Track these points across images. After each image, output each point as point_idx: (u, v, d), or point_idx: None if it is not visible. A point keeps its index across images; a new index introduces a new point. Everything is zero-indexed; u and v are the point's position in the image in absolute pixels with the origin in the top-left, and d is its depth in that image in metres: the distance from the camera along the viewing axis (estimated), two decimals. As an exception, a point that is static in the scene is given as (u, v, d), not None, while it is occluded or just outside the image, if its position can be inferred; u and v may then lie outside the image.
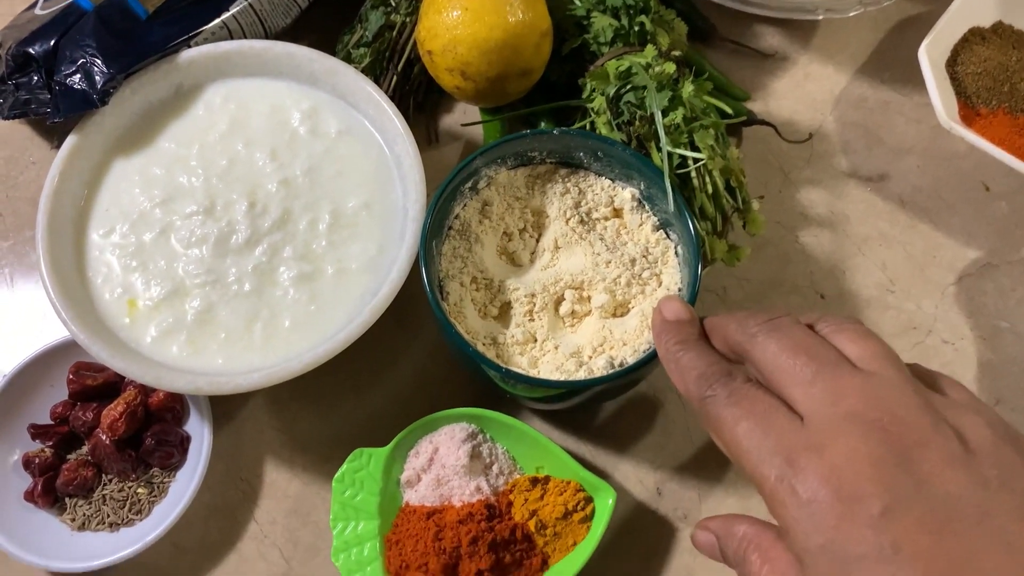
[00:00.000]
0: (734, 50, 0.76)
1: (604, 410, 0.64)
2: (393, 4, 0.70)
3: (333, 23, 0.72)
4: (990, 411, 0.34)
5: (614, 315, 0.59)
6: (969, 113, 0.68)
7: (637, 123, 0.60)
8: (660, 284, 0.58)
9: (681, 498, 0.62)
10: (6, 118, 0.66)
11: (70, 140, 0.62)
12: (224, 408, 0.64)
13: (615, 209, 0.61)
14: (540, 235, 0.62)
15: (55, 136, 0.74)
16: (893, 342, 0.35)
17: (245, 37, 0.68)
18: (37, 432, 0.61)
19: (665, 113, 0.60)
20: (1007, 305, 0.67)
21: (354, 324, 0.56)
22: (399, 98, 0.69)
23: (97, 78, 0.62)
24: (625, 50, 0.64)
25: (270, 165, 0.63)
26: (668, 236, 0.59)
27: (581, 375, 0.55)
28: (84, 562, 0.57)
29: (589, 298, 0.59)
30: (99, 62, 0.63)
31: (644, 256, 0.59)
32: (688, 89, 0.61)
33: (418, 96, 0.72)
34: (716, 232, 0.62)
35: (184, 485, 0.59)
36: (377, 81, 0.68)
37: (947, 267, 0.68)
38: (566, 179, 0.61)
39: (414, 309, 0.65)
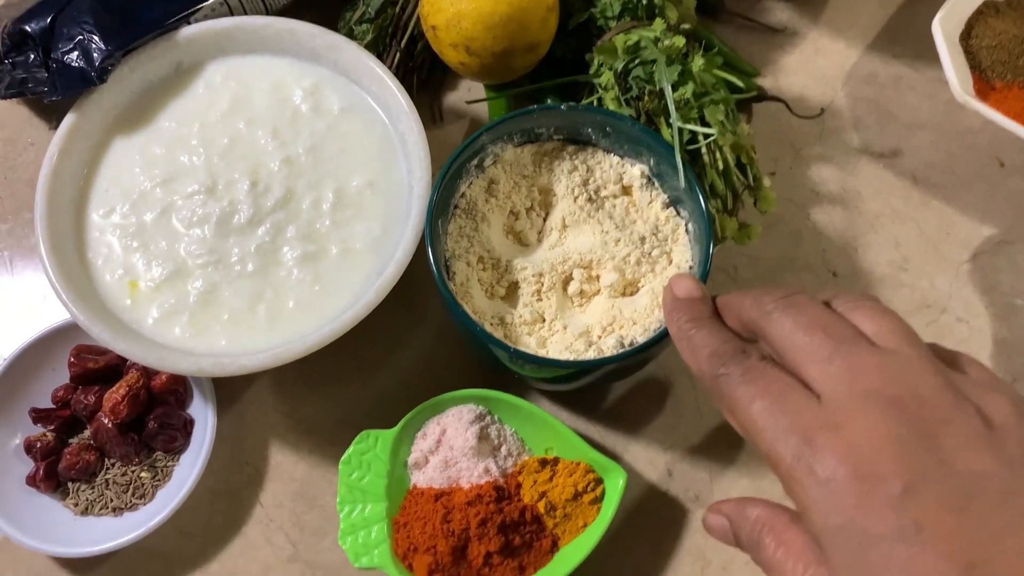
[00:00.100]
0: (742, 25, 0.75)
1: (613, 391, 0.63)
2: (396, -21, 0.69)
3: (335, -1, 0.71)
4: (1011, 389, 0.33)
5: (623, 294, 0.58)
6: (984, 87, 0.66)
7: (646, 98, 0.59)
8: (670, 262, 0.57)
9: (692, 479, 0.61)
10: (3, 98, 0.65)
11: (68, 119, 0.61)
12: (228, 391, 0.63)
13: (624, 186, 0.60)
14: (547, 214, 0.61)
15: (53, 117, 0.73)
16: (907, 320, 0.34)
17: (245, 13, 0.67)
18: (38, 416, 0.61)
19: (675, 88, 0.58)
20: (1023, 282, 0.66)
21: (359, 304, 0.55)
22: (402, 75, 0.68)
23: (95, 55, 0.61)
24: (633, 24, 0.63)
25: (272, 143, 0.62)
26: (678, 213, 0.58)
27: (590, 355, 0.54)
28: (87, 547, 0.56)
29: (598, 277, 0.58)
30: (97, 39, 0.61)
31: (654, 234, 0.58)
32: (698, 63, 0.60)
33: (422, 73, 0.71)
34: (727, 210, 0.61)
35: (188, 469, 0.59)
36: (379, 58, 0.67)
37: (961, 244, 0.67)
38: (574, 156, 0.60)
39: (420, 290, 0.65)
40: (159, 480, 0.60)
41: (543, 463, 0.57)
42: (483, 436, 0.57)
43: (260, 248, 0.59)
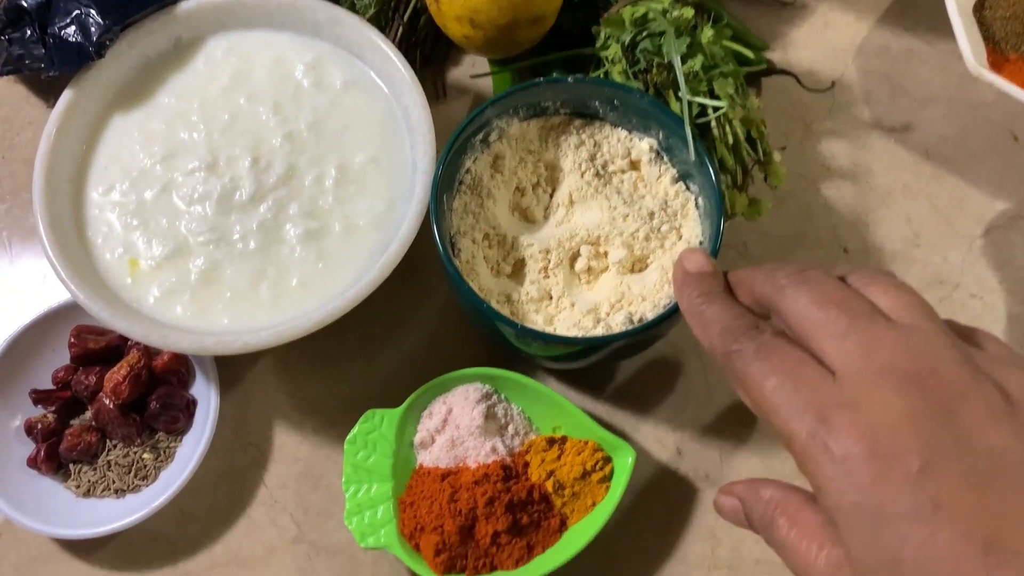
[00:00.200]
0: (751, -2, 0.74)
1: (621, 370, 0.63)
2: (398, -48, 0.67)
3: (336, -27, 0.70)
4: None
5: (632, 270, 0.57)
6: (998, 59, 0.65)
7: (654, 71, 0.58)
8: (680, 237, 0.56)
9: (702, 458, 0.60)
10: (0, 75, 0.64)
11: (66, 95, 0.60)
12: (230, 371, 0.62)
13: (632, 161, 0.59)
14: (554, 189, 0.60)
15: (52, 96, 0.72)
16: (918, 294, 0.34)
17: (245, -13, 0.66)
18: (39, 397, 0.60)
19: (684, 60, 0.57)
20: (1037, 257, 0.65)
21: (364, 282, 0.54)
22: (405, 50, 0.67)
23: (92, 30, 0.60)
24: (640, -5, 0.61)
25: (273, 119, 0.61)
26: (688, 188, 0.57)
27: (599, 332, 0.53)
28: (90, 529, 0.56)
29: (606, 253, 0.57)
30: (94, 13, 0.60)
31: (663, 209, 0.57)
32: (707, 34, 0.59)
33: (425, 48, 0.70)
34: (736, 186, 0.60)
35: (191, 450, 0.58)
36: (382, 33, 0.66)
37: (974, 219, 0.66)
38: (581, 131, 0.59)
39: (424, 269, 0.64)
40: (161, 461, 0.59)
41: (551, 442, 0.56)
42: (490, 415, 0.57)
43: (262, 225, 0.58)
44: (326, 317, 0.53)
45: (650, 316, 0.53)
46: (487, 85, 0.70)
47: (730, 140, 0.58)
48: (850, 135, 0.69)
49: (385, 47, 0.61)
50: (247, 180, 0.59)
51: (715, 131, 0.58)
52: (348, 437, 0.56)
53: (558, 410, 0.57)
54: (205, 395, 0.59)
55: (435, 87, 0.71)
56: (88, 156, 0.61)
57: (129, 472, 0.59)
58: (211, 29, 0.64)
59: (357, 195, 0.59)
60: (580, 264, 0.57)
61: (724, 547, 0.58)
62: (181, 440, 0.60)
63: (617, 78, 0.59)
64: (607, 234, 0.56)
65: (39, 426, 0.59)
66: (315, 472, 0.60)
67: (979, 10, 0.67)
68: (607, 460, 0.56)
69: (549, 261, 0.57)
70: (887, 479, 0.28)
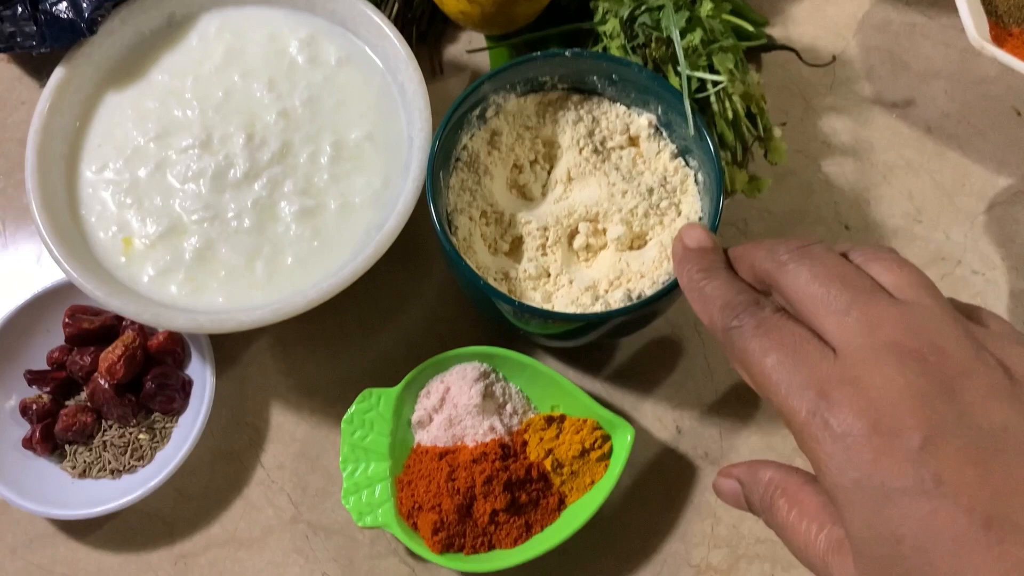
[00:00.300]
0: (750, -27, 0.73)
1: (621, 349, 0.62)
2: (394, -73, 0.66)
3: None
4: None
5: (631, 247, 0.56)
6: (1001, 33, 0.64)
7: (653, 45, 0.57)
8: (679, 214, 0.56)
9: (701, 436, 0.60)
10: (-9, 52, 0.64)
11: (58, 72, 0.59)
12: (227, 352, 0.62)
13: (631, 137, 0.58)
14: (552, 166, 0.59)
15: (44, 75, 0.71)
16: (921, 270, 0.33)
17: (238, -37, 0.65)
18: (34, 378, 0.60)
19: (683, 35, 0.57)
20: (1040, 234, 0.64)
21: (359, 259, 0.54)
22: (401, 27, 0.66)
23: (84, 6, 0.59)
24: (639, -31, 0.61)
25: (268, 96, 0.60)
26: (687, 164, 0.57)
27: (597, 309, 0.52)
28: (86, 509, 0.55)
29: (604, 230, 0.56)
30: (85, -10, 0.60)
31: (662, 185, 0.56)
32: (706, 8, 0.58)
33: (421, 25, 0.69)
34: (736, 162, 0.59)
35: (187, 430, 0.58)
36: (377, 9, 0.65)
37: (977, 195, 0.65)
38: (579, 106, 0.59)
39: (421, 248, 0.63)
40: (157, 442, 0.59)
41: (549, 420, 0.56)
42: (488, 394, 0.56)
43: (257, 203, 0.57)
44: (322, 295, 0.53)
45: (649, 293, 0.52)
46: (484, 61, 0.69)
47: (730, 115, 0.57)
48: (851, 111, 0.68)
49: (380, 22, 0.60)
50: (241, 158, 0.58)
51: (715, 106, 0.57)
52: (345, 416, 0.56)
53: (557, 389, 0.57)
54: (201, 375, 0.59)
55: (431, 64, 0.70)
56: (81, 134, 0.60)
57: (125, 453, 0.58)
58: (204, 5, 0.63)
59: (352, 172, 0.59)
60: (579, 241, 0.56)
61: (724, 525, 0.57)
62: (177, 420, 0.59)
63: (616, 53, 0.58)
64: (606, 211, 0.56)
65: (34, 407, 0.58)
66: (312, 452, 0.60)
67: (982, -17, 0.66)
68: (606, 438, 0.55)
69: (547, 238, 0.56)
70: (888, 455, 0.28)
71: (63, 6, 0.60)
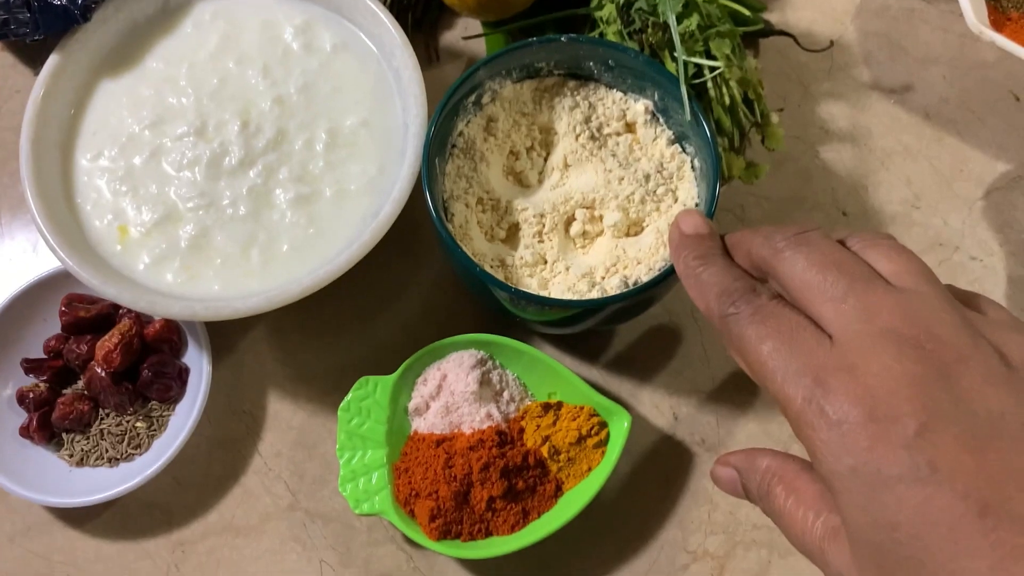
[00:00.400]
0: (748, -42, 0.72)
1: (618, 337, 0.62)
2: (389, -88, 0.66)
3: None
4: None
5: (628, 234, 0.56)
6: (999, 17, 0.64)
7: (649, 31, 0.57)
8: (676, 200, 0.55)
9: (698, 423, 0.60)
10: (-15, 40, 0.63)
11: (53, 59, 0.59)
12: (223, 340, 0.62)
13: (627, 123, 0.58)
14: (548, 153, 0.59)
15: (38, 64, 0.71)
16: (919, 258, 0.33)
17: (233, -51, 0.64)
18: (30, 366, 0.59)
19: (679, 20, 0.56)
20: (1038, 219, 0.64)
21: (355, 246, 0.53)
22: (396, 13, 0.66)
23: (78, -8, 0.59)
24: (635, -46, 0.60)
25: (263, 83, 0.60)
26: (684, 150, 0.56)
27: (594, 295, 0.52)
28: (84, 497, 0.55)
29: (601, 217, 0.56)
30: (79, -24, 0.59)
31: (659, 171, 0.56)
32: (703, -7, 0.58)
33: (416, 12, 0.69)
34: (734, 148, 0.59)
35: (184, 419, 0.58)
36: (374, -4, 0.65)
37: (975, 181, 0.65)
38: (575, 92, 0.58)
39: (419, 236, 0.63)
40: (155, 430, 0.59)
41: (546, 407, 0.56)
42: (485, 381, 0.56)
43: (252, 191, 0.57)
44: (317, 282, 0.53)
45: (645, 279, 0.52)
46: (480, 48, 0.69)
47: (727, 101, 0.57)
48: (849, 97, 0.68)
49: (376, 8, 0.60)
50: (236, 145, 0.58)
51: (712, 92, 0.57)
52: (342, 404, 0.56)
53: (554, 376, 0.56)
54: (198, 363, 0.59)
55: (427, 50, 0.70)
56: (76, 122, 0.60)
57: (122, 441, 0.58)
58: (199, -8, 0.63)
59: (348, 159, 0.58)
60: (575, 228, 0.56)
61: (720, 511, 0.57)
62: (174, 409, 0.59)
63: (612, 38, 0.58)
64: (602, 197, 0.56)
65: (31, 395, 0.58)
66: (309, 440, 0.60)
67: (981, -32, 0.65)
68: (603, 425, 0.55)
69: (544, 225, 0.56)
70: (884, 442, 0.28)
71: (56, -7, 0.59)
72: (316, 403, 0.61)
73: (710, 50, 0.57)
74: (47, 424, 0.58)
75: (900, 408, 0.28)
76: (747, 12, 0.60)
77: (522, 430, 0.55)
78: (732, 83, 0.57)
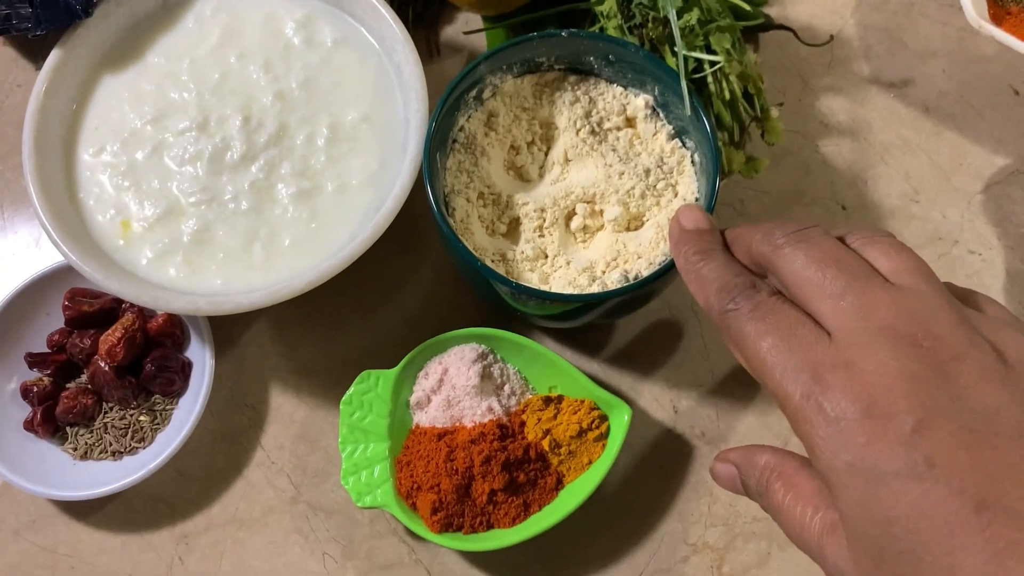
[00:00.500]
0: (749, -48, 0.72)
1: (618, 331, 0.62)
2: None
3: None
4: None
5: (628, 229, 0.56)
6: (999, 11, 0.64)
7: (650, 25, 0.57)
8: (676, 195, 0.56)
9: (698, 416, 0.60)
10: (-13, 36, 0.63)
11: (54, 54, 0.59)
12: (226, 334, 0.62)
13: (628, 118, 0.58)
14: (549, 148, 0.59)
15: (41, 58, 0.71)
16: (918, 253, 0.33)
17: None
18: (34, 360, 0.60)
19: (679, 14, 0.56)
20: (1037, 213, 0.64)
21: (357, 241, 0.54)
22: (397, 8, 0.66)
23: (79, -12, 0.59)
24: (636, -52, 0.60)
25: (264, 78, 0.60)
26: (684, 144, 0.56)
27: (594, 290, 0.53)
28: (88, 490, 0.56)
29: (602, 212, 0.56)
30: (81, -29, 0.59)
31: (659, 166, 0.56)
32: (703, -12, 0.58)
33: (417, 6, 0.69)
34: (733, 143, 0.59)
35: (187, 412, 0.58)
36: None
37: (974, 175, 0.65)
38: (576, 87, 0.58)
39: (419, 230, 0.63)
40: (158, 424, 0.59)
41: (547, 401, 0.56)
42: (486, 375, 0.56)
43: (254, 185, 0.57)
44: (319, 277, 0.53)
45: (645, 274, 0.52)
46: (481, 43, 0.69)
47: (727, 96, 0.57)
48: (849, 91, 0.68)
49: (376, 3, 0.60)
50: (238, 140, 0.58)
51: (712, 87, 0.57)
52: (344, 398, 0.56)
53: (555, 370, 0.57)
54: (200, 357, 0.59)
55: (428, 45, 0.70)
56: (78, 117, 0.60)
57: (126, 435, 0.59)
58: (200, -13, 0.63)
59: (349, 154, 0.58)
60: (576, 223, 0.56)
61: (720, 504, 0.58)
62: (177, 402, 0.60)
63: (612, 33, 0.58)
64: (603, 192, 0.56)
65: (35, 389, 0.59)
66: (311, 433, 0.60)
67: (981, -39, 0.65)
68: (603, 418, 0.56)
69: (544, 220, 0.56)
70: (881, 438, 0.28)
71: (58, -12, 0.60)
72: (318, 397, 0.61)
73: (710, 45, 0.57)
74: (51, 418, 0.58)
75: (897, 405, 0.28)
76: (747, 7, 0.60)
77: (523, 423, 0.56)
78: (732, 78, 0.57)
